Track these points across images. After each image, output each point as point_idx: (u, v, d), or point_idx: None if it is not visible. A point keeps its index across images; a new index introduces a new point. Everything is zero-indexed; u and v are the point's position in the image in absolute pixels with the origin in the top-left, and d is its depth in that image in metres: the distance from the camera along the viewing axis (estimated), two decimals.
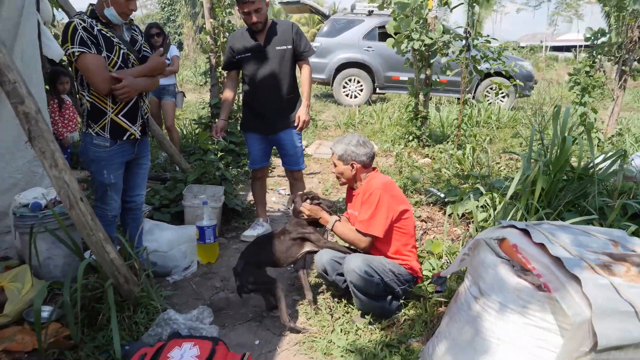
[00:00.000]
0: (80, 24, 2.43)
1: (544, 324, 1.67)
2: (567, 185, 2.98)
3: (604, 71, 6.28)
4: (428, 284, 2.68)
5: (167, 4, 32.20)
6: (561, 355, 1.61)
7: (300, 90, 3.70)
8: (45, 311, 2.59)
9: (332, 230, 2.68)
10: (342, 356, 2.30)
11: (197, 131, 6.22)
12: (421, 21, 5.68)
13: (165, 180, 4.41)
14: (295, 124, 3.57)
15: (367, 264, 2.47)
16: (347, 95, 10.93)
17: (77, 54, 2.41)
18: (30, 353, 2.35)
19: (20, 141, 3.76)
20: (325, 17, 12.15)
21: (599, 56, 6.04)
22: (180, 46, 24.23)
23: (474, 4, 5.47)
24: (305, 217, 2.75)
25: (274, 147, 3.82)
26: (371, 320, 2.55)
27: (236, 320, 2.72)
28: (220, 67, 5.84)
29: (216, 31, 5.68)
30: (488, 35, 5.97)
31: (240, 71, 3.65)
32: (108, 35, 2.53)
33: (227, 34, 5.69)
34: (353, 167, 2.66)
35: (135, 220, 3.00)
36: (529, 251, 1.76)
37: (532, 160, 3.13)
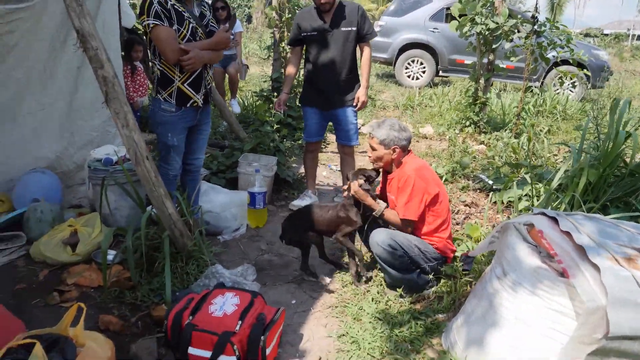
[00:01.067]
0: None
1: (560, 308, 1.74)
2: (617, 181, 2.93)
3: None
4: (460, 265, 2.77)
5: None
6: (573, 339, 1.69)
7: (359, 71, 3.81)
8: (110, 254, 2.93)
9: (381, 215, 2.78)
10: (370, 322, 2.46)
11: (257, 103, 6.47)
12: (488, 4, 5.56)
13: (224, 147, 4.68)
14: (354, 104, 3.72)
15: (391, 238, 2.60)
16: (408, 76, 10.81)
17: (151, 25, 2.64)
18: (96, 289, 2.68)
19: (97, 102, 4.08)
20: None
21: None
22: (249, 19, 24.63)
23: None
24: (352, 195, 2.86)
25: (330, 123, 3.97)
26: (402, 293, 2.69)
27: (276, 280, 2.93)
28: (283, 43, 6.03)
29: (282, 7, 5.83)
30: (559, 21, 5.75)
31: (304, 47, 3.80)
32: (180, 10, 2.75)
33: (292, 10, 5.84)
34: (394, 152, 2.75)
35: (193, 181, 3.27)
36: (553, 238, 1.83)
37: (583, 153, 3.09)
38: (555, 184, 2.94)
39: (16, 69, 3.47)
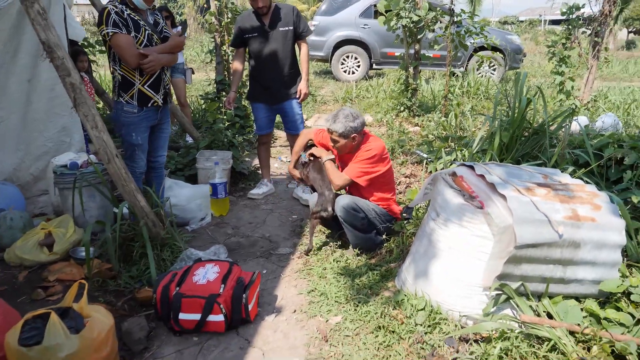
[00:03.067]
0: (113, 9, 2.92)
1: (482, 234, 2.20)
2: (525, 140, 3.49)
3: (579, 42, 6.67)
4: (405, 223, 3.21)
5: None
6: (493, 255, 2.15)
7: (300, 66, 4.18)
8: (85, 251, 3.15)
9: (324, 163, 3.18)
10: (334, 277, 2.85)
11: (204, 106, 6.69)
12: (409, 0, 6.10)
13: (179, 148, 4.92)
14: (297, 96, 4.08)
15: (354, 202, 3.01)
16: (345, 71, 11.34)
17: (111, 34, 2.90)
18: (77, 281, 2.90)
19: (51, 113, 4.28)
20: None
21: (574, 29, 6.47)
22: (184, 26, 24.45)
23: None
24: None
25: (278, 115, 4.31)
26: (359, 252, 3.10)
27: (247, 257, 3.26)
28: (224, 46, 6.30)
29: (220, 12, 6.10)
30: (476, 12, 6.38)
31: (247, 48, 4.11)
32: (136, 18, 3.02)
33: (232, 14, 6.11)
34: (354, 139, 3.07)
35: (158, 177, 3.54)
36: (471, 180, 2.29)
37: (496, 120, 3.63)
38: (475, 147, 3.46)
39: None
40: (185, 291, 2.38)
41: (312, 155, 3.33)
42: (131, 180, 2.98)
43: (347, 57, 11.27)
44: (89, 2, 4.97)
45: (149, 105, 3.17)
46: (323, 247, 3.28)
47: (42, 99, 4.16)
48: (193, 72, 6.53)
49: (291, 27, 3.95)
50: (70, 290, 2.02)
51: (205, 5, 6.39)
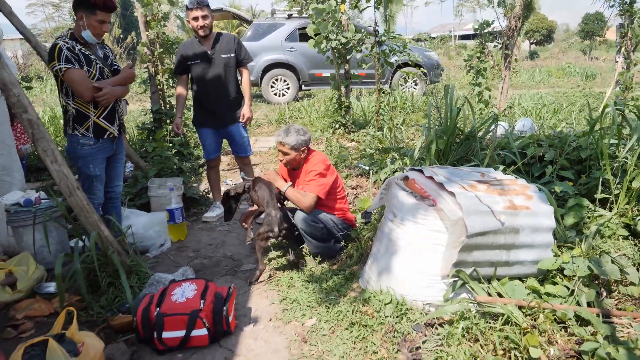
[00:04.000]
0: (64, 45, 2.96)
1: (437, 228, 2.49)
2: (458, 146, 3.88)
3: (491, 55, 7.39)
4: (361, 230, 3.46)
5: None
6: (448, 246, 2.44)
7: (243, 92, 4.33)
8: (51, 286, 3.12)
9: (285, 193, 3.30)
10: (302, 285, 3.03)
11: (141, 137, 6.65)
12: (336, 23, 6.49)
13: (126, 179, 4.90)
14: (241, 120, 4.22)
15: (313, 214, 3.21)
16: (275, 94, 11.61)
17: (63, 69, 2.94)
18: (48, 317, 2.87)
19: None
20: (247, 22, 12.75)
21: (486, 43, 7.16)
22: (134, 58, 23.87)
23: (379, 6, 6.34)
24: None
25: (224, 139, 4.43)
26: (320, 260, 3.30)
27: (213, 276, 3.36)
28: (158, 76, 6.34)
29: (152, 42, 6.15)
30: (394, 31, 6.89)
31: (190, 75, 4.21)
32: (86, 53, 3.08)
33: (164, 44, 6.18)
34: (303, 152, 3.30)
35: (116, 207, 3.56)
36: (422, 181, 2.59)
37: (431, 130, 4.01)
38: (416, 155, 3.80)
39: None
40: (166, 310, 2.46)
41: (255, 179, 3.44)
42: (93, 211, 3.01)
43: (277, 80, 11.55)
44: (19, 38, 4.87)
45: (105, 136, 3.21)
46: (283, 258, 3.46)
47: None
48: (127, 104, 6.51)
49: (233, 55, 4.10)
50: (59, 319, 2.06)
51: (121, 36, 6.39)
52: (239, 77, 4.31)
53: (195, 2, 3.85)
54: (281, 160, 3.38)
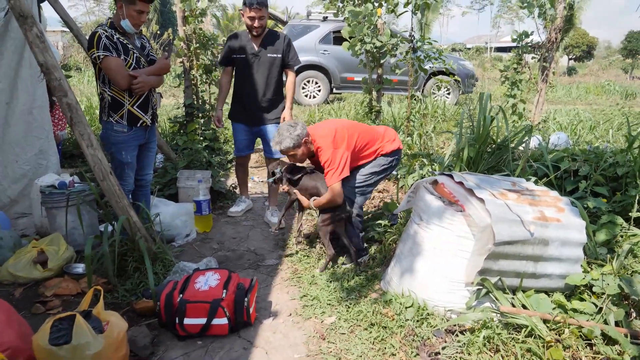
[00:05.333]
0: (103, 34, 3.05)
1: (463, 234, 2.46)
2: (490, 155, 3.82)
3: (529, 67, 7.26)
4: (385, 232, 3.44)
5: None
6: (474, 252, 2.40)
7: (285, 93, 4.21)
8: (79, 267, 3.21)
9: (315, 206, 3.20)
10: (324, 283, 3.02)
11: (172, 130, 6.78)
12: (372, 27, 6.48)
13: (156, 169, 5.00)
14: (281, 122, 3.99)
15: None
16: (306, 95, 11.66)
17: (101, 57, 3.02)
18: (75, 296, 2.94)
19: (29, 136, 4.29)
20: (282, 23, 12.86)
21: (524, 55, 7.04)
22: (170, 49, 24.56)
23: (417, 12, 6.31)
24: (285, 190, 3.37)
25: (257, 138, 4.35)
26: (344, 261, 3.30)
27: (235, 268, 3.39)
28: (193, 71, 6.45)
29: (189, 38, 6.27)
30: (429, 38, 6.84)
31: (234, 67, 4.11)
32: (124, 42, 3.16)
33: (200, 40, 6.29)
34: (306, 143, 3.12)
35: (145, 195, 3.63)
36: (451, 186, 2.55)
37: (463, 137, 3.96)
38: (446, 161, 3.76)
39: None
40: (189, 297, 2.49)
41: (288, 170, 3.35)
42: (124, 196, 3.08)
43: (308, 81, 11.60)
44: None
45: (138, 125, 3.28)
46: (309, 257, 3.46)
47: (20, 122, 4.16)
48: (161, 97, 6.63)
49: (280, 55, 4.00)
50: (86, 297, 2.11)
51: (158, 32, 6.50)
52: (284, 78, 4.20)
53: (256, 3, 3.76)
54: (294, 161, 3.29)
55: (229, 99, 4.34)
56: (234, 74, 4.17)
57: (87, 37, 3.17)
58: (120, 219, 2.96)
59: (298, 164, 3.38)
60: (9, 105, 4.10)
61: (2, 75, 4.02)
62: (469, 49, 43.82)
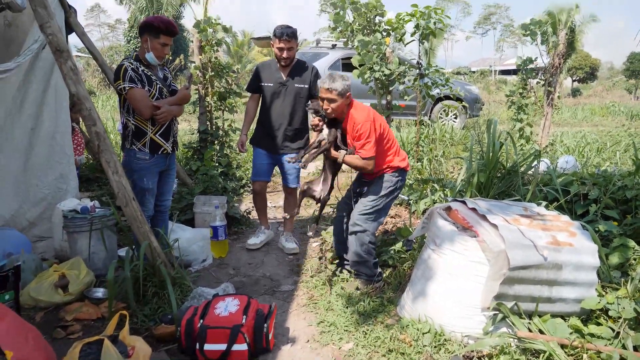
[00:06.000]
0: (129, 66, 3.19)
1: (477, 259, 2.51)
2: (500, 180, 3.89)
3: (534, 92, 7.37)
4: (403, 247, 3.50)
5: (132, 37, 33.00)
6: (488, 278, 2.45)
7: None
8: (99, 292, 3.28)
9: (343, 160, 3.22)
10: (340, 309, 3.07)
11: (186, 155, 6.91)
12: (381, 55, 6.64)
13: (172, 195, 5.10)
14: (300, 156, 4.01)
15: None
16: None
17: (127, 88, 3.15)
18: (95, 320, 3.00)
19: (50, 161, 4.41)
20: None
21: (529, 79, 7.16)
22: (190, 79, 25.15)
23: (424, 41, 6.47)
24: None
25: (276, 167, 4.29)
26: (358, 286, 3.34)
27: (252, 294, 3.42)
28: (208, 98, 6.62)
29: (205, 66, 6.45)
30: (437, 65, 6.99)
31: (261, 95, 4.13)
32: (148, 74, 3.29)
33: (215, 69, 6.46)
34: (348, 98, 3.14)
35: (164, 221, 3.72)
36: (465, 212, 2.62)
37: (473, 162, 4.03)
38: (458, 186, 3.82)
39: None
40: (209, 323, 2.55)
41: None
42: (145, 222, 3.17)
43: None
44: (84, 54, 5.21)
45: (160, 152, 3.39)
46: (324, 283, 3.51)
47: (43, 147, 4.29)
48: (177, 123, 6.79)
49: (307, 85, 4.02)
50: (112, 322, 2.18)
51: (169, 58, 6.65)
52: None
53: (285, 34, 3.83)
54: (326, 110, 3.20)
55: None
56: (260, 101, 4.19)
57: (114, 70, 3.30)
58: (143, 245, 3.03)
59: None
60: (33, 131, 4.24)
61: (30, 102, 4.18)
62: (474, 72, 44.20)
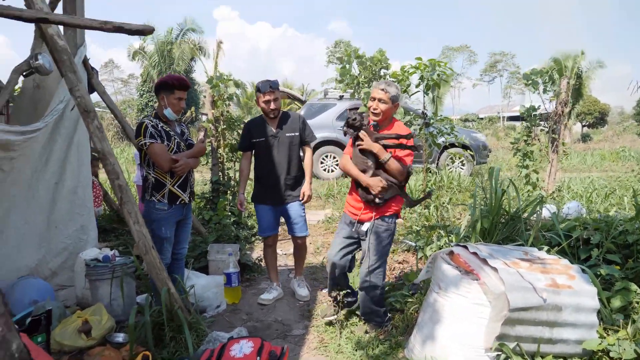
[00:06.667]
0: (150, 123, 3.46)
1: (479, 301, 2.63)
2: (503, 226, 4.03)
3: (538, 139, 7.57)
4: (406, 302, 3.60)
5: (145, 91, 34.29)
6: (490, 319, 2.57)
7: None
8: (119, 336, 3.41)
9: (387, 163, 3.16)
10: (349, 352, 3.17)
11: (198, 205, 7.14)
12: None
13: None
14: (301, 198, 4.22)
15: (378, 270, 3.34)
16: (324, 169, 12.10)
17: (147, 144, 3.41)
18: None
19: (72, 212, 4.65)
20: (300, 101, 13.60)
21: (533, 127, 7.38)
22: (205, 133, 26.05)
23: (428, 92, 6.77)
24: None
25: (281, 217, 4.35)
26: (367, 329, 3.44)
27: (264, 338, 3.50)
28: (220, 149, 6.92)
29: (217, 120, 6.79)
30: (441, 115, 7.25)
31: (254, 151, 4.27)
32: (167, 129, 3.56)
33: (227, 122, 6.80)
34: (396, 107, 3.26)
35: (180, 268, 3.89)
36: (466, 256, 2.76)
37: (477, 209, 4.19)
38: (462, 232, 3.97)
39: (11, 187, 3.96)
40: None
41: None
42: (164, 269, 3.34)
43: (326, 156, 12.07)
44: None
45: (177, 202, 3.61)
46: (332, 326, 3.62)
47: (65, 201, 4.53)
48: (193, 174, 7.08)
49: (297, 133, 4.19)
50: None
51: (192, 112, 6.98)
52: (302, 154, 4.37)
53: (268, 86, 4.01)
54: (375, 110, 3.25)
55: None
56: (253, 158, 4.32)
57: (135, 128, 3.58)
58: (163, 291, 3.20)
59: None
60: (57, 185, 4.50)
61: (54, 159, 4.46)
62: (482, 119, 44.74)
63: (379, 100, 3.23)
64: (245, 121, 4.81)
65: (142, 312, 3.28)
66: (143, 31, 2.39)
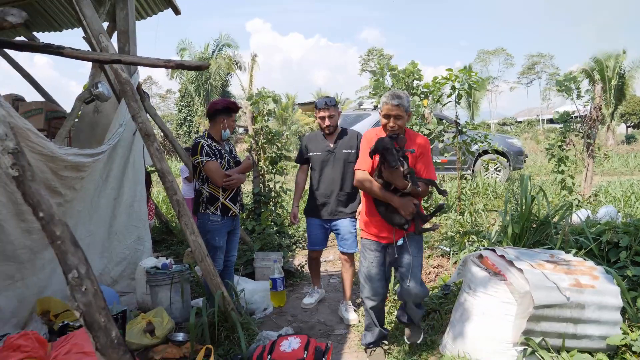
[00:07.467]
0: (205, 143, 3.86)
1: (507, 300, 2.86)
2: (533, 231, 4.21)
3: (573, 144, 7.62)
4: (442, 292, 3.85)
5: (184, 106, 35.50)
6: (517, 316, 2.79)
7: None
8: (179, 336, 3.79)
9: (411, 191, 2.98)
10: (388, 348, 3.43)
11: (243, 216, 7.54)
12: (420, 116, 7.19)
13: None
14: (354, 217, 4.24)
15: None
16: None
17: (204, 162, 3.80)
18: (178, 359, 3.50)
19: (129, 225, 5.12)
20: None
21: (567, 132, 7.45)
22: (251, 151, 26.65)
23: (460, 101, 6.98)
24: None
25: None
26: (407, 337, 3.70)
27: (310, 337, 3.85)
28: (260, 162, 7.31)
29: (257, 134, 7.18)
30: (473, 122, 7.43)
31: (310, 165, 4.37)
32: (219, 148, 3.95)
33: (266, 137, 7.17)
34: (409, 117, 3.11)
35: (230, 274, 4.26)
36: (494, 259, 3.00)
37: (507, 215, 4.39)
38: (493, 237, 4.18)
39: (78, 203, 4.43)
40: (276, 358, 3.00)
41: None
42: (217, 275, 3.71)
43: None
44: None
45: (229, 214, 3.98)
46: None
47: (123, 214, 5.00)
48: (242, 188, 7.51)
49: (354, 151, 4.17)
50: (200, 354, 2.66)
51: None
52: None
53: (324, 103, 4.15)
54: (392, 128, 3.07)
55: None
56: (309, 171, 4.42)
57: (191, 145, 3.99)
58: (217, 294, 3.56)
59: None
60: (116, 200, 4.98)
61: (113, 177, 4.94)
62: (520, 122, 43.91)
63: (395, 117, 3.03)
64: (285, 135, 5.13)
65: (199, 313, 3.64)
66: (200, 66, 2.75)
